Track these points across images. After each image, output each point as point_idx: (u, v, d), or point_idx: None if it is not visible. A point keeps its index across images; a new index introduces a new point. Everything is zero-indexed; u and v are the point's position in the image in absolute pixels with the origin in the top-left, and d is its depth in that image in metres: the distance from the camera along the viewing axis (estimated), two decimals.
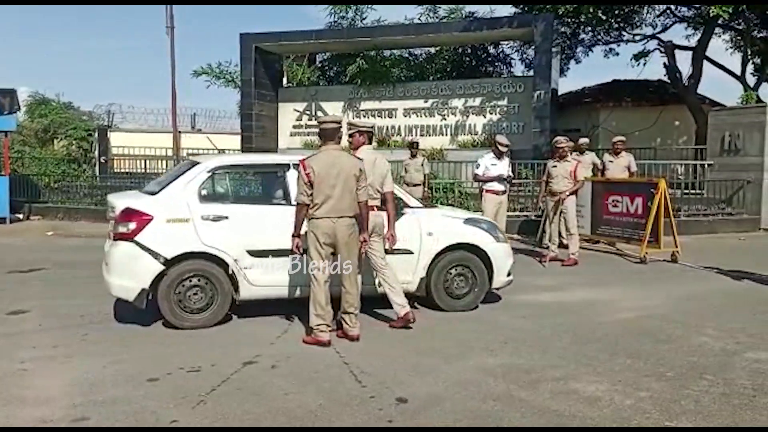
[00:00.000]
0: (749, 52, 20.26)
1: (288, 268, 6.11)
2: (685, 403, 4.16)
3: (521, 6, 20.18)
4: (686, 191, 14.77)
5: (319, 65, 24.41)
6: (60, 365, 4.99)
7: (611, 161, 11.47)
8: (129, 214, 5.88)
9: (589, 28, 20.35)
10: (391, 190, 5.97)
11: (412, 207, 6.65)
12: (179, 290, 5.89)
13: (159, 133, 25.23)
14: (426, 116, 20.24)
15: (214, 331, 5.83)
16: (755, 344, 5.50)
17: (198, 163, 6.41)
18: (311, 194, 5.34)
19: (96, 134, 23.52)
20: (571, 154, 10.15)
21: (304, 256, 5.68)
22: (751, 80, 20.13)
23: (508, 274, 6.87)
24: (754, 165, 14.17)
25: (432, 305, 6.70)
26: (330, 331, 5.51)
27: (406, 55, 22.98)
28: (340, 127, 5.67)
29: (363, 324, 5.70)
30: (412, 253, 6.47)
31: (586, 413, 4.00)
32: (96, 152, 23.17)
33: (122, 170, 21.84)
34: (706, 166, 15.36)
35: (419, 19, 22.09)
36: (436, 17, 22.06)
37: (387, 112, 20.64)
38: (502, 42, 23.08)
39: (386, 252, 6.04)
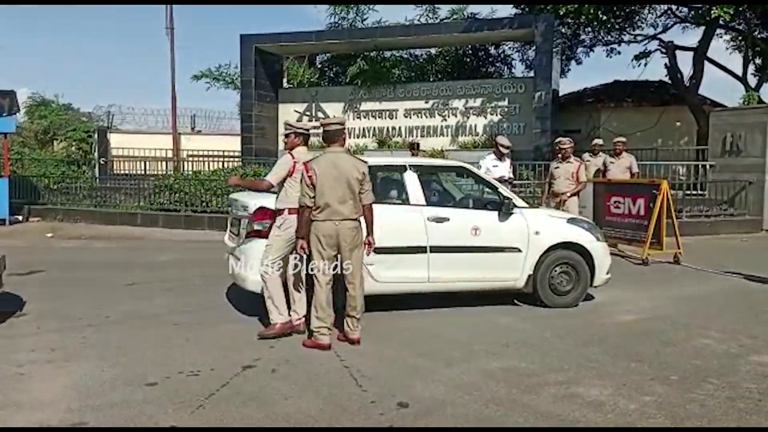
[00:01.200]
0: (750, 53, 20.21)
1: (408, 265, 6.41)
2: (690, 408, 4.11)
3: (522, 6, 20.15)
4: (688, 192, 14.72)
5: (320, 66, 24.38)
6: (58, 369, 4.94)
7: (612, 162, 11.42)
8: (265, 212, 6.08)
9: (590, 29, 20.33)
10: None
11: (520, 207, 6.88)
12: None
13: (159, 135, 25.18)
14: (426, 117, 20.20)
15: (213, 335, 5.77)
16: (759, 347, 5.45)
17: None
18: (314, 196, 5.30)
19: (96, 135, 23.50)
20: (576, 154, 10.06)
21: (427, 254, 6.29)
22: (753, 81, 20.10)
23: (607, 273, 7.08)
24: (756, 166, 14.12)
25: (534, 302, 6.94)
26: (330, 333, 5.46)
27: (407, 55, 22.95)
28: (344, 128, 5.64)
29: (363, 329, 5.63)
30: (520, 251, 6.73)
31: (590, 418, 3.95)
32: (96, 153, 23.17)
33: (122, 171, 21.80)
34: (707, 167, 15.31)
35: (419, 19, 22.06)
36: (437, 18, 22.03)
37: (387, 113, 20.61)
38: (502, 43, 23.03)
39: (496, 250, 6.60)
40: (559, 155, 9.94)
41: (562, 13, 17.21)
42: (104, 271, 9.17)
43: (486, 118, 19.53)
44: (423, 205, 6.56)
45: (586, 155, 11.64)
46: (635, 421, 3.91)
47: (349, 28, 21.97)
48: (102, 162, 22.40)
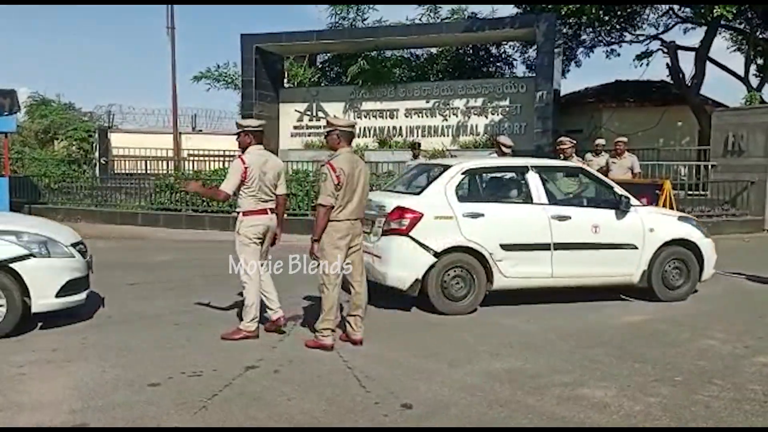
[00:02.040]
0: (752, 53, 20.19)
1: (533, 261, 6.78)
2: (695, 409, 4.09)
3: (523, 6, 20.12)
4: (690, 192, 14.69)
5: (320, 66, 24.36)
6: (59, 369, 4.91)
7: (614, 162, 11.37)
8: (402, 211, 6.51)
9: (591, 29, 20.31)
10: (286, 193, 6.00)
11: (635, 206, 7.21)
12: (444, 280, 6.52)
13: (159, 134, 25.16)
14: (427, 117, 20.16)
15: (215, 335, 5.74)
16: (764, 348, 5.43)
17: (450, 166, 7.06)
18: (337, 196, 5.21)
19: (96, 135, 23.46)
20: (578, 154, 10.01)
21: (551, 251, 6.68)
22: (755, 81, 20.07)
23: (713, 268, 7.47)
24: (758, 166, 14.10)
25: (643, 296, 7.27)
26: (333, 334, 5.43)
27: (408, 55, 22.92)
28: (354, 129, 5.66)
29: (365, 329, 5.61)
30: (636, 247, 7.07)
31: (595, 419, 3.93)
32: (96, 153, 23.14)
33: (123, 171, 21.78)
34: (709, 167, 15.28)
35: (421, 19, 22.03)
36: (438, 17, 22.00)
37: (388, 113, 20.57)
38: (504, 42, 23.00)
39: (614, 246, 6.94)
40: (561, 155, 9.91)
41: (564, 12, 17.19)
42: (105, 270, 9.07)
43: (487, 117, 19.49)
44: (546, 204, 6.91)
45: (588, 155, 11.60)
46: (640, 423, 3.89)
47: (349, 27, 21.94)
48: (103, 161, 22.38)
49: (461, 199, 6.77)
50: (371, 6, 22.49)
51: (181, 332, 5.87)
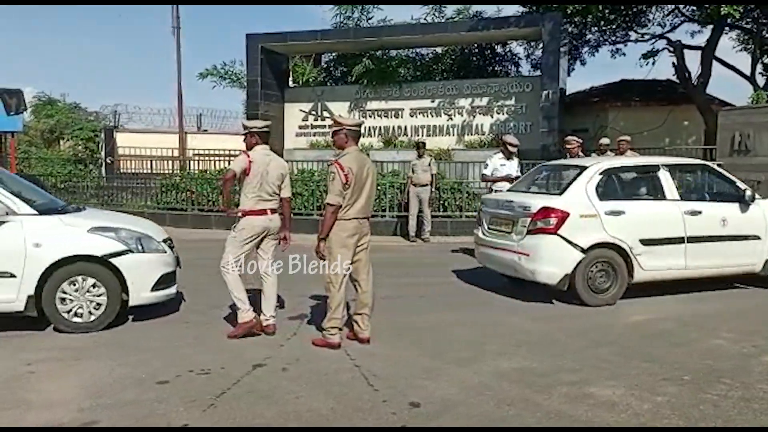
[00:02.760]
0: (758, 52, 20.09)
1: (669, 254, 7.13)
2: (704, 408, 4.08)
3: (529, 6, 20.08)
4: None
5: (325, 65, 24.34)
6: (68, 367, 4.94)
7: None
8: (549, 211, 6.89)
9: (596, 28, 20.25)
10: (290, 196, 6.05)
11: (756, 199, 7.58)
12: (590, 274, 6.87)
13: (165, 134, 25.20)
14: (433, 116, 20.12)
15: (222, 334, 5.75)
16: None
17: (586, 166, 7.41)
18: (345, 195, 5.21)
19: (102, 135, 23.52)
20: (584, 153, 9.97)
21: (684, 244, 7.07)
22: (761, 80, 19.97)
23: None
24: (765, 165, 13.97)
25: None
26: (340, 333, 5.44)
27: (413, 55, 22.88)
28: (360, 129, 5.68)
29: (372, 328, 5.61)
30: (759, 238, 7.51)
31: (603, 418, 3.93)
32: (102, 153, 23.20)
33: (128, 170, 21.83)
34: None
35: (426, 18, 22.00)
36: (443, 17, 21.97)
37: (393, 112, 20.54)
38: (509, 41, 22.96)
39: (740, 238, 7.38)
40: (567, 154, 9.90)
41: (569, 12, 17.14)
42: None
43: (492, 117, 19.44)
44: (678, 200, 7.34)
45: (593, 155, 11.58)
46: (648, 422, 3.89)
47: (354, 27, 21.91)
48: (109, 161, 22.44)
49: (601, 197, 7.13)
50: (376, 5, 22.47)
51: (189, 331, 5.90)
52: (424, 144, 13.00)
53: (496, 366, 4.91)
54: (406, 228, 12.65)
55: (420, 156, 12.49)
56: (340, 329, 5.42)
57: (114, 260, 5.90)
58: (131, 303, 6.01)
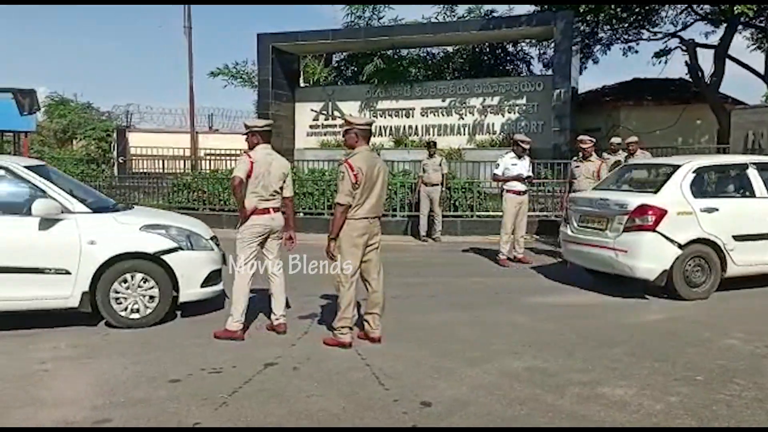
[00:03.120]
0: None
1: (761, 250, 7.37)
2: (716, 408, 4.05)
3: (541, 5, 20.01)
4: None
5: (336, 65, 24.39)
6: (80, 365, 4.98)
7: (628, 161, 11.32)
8: (647, 209, 7.08)
9: (608, 27, 20.16)
10: (292, 195, 6.01)
11: None
12: (686, 269, 7.08)
13: (177, 134, 25.31)
14: (443, 116, 20.13)
15: None
16: None
17: (679, 165, 7.56)
18: (355, 195, 5.21)
19: (115, 134, 23.63)
20: (597, 153, 9.90)
21: None
22: None
23: None
24: None
25: None
26: (351, 332, 5.45)
27: (424, 54, 22.88)
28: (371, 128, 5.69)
29: (383, 328, 5.61)
30: None
31: (615, 418, 3.91)
32: (115, 152, 23.30)
33: (140, 170, 21.92)
34: None
35: (437, 18, 21.98)
36: (454, 15, 21.93)
37: (404, 112, 20.56)
38: (520, 40, 22.89)
39: None
40: (580, 154, 9.86)
41: (582, 10, 17.07)
42: None
43: (504, 116, 19.42)
44: (767, 197, 7.55)
45: (604, 154, 11.53)
46: (661, 422, 3.87)
47: (365, 26, 21.95)
48: (121, 161, 22.54)
49: (695, 195, 7.32)
50: (387, 5, 22.48)
51: (200, 330, 5.90)
52: (435, 143, 12.98)
53: (506, 365, 4.90)
54: (417, 227, 12.64)
55: (431, 155, 12.46)
56: (351, 328, 5.42)
57: (165, 257, 6.04)
58: (181, 299, 6.17)
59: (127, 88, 66.72)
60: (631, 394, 4.30)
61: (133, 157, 23.56)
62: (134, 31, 74.06)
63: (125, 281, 5.94)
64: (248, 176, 5.62)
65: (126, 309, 5.94)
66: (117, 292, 5.91)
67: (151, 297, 6.00)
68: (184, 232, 6.27)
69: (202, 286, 6.26)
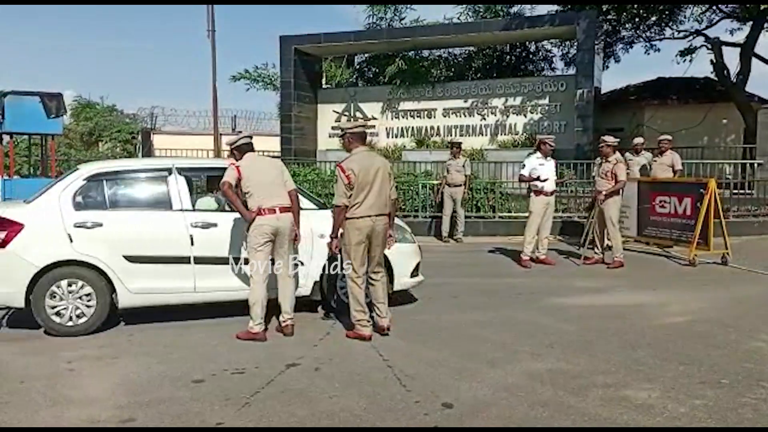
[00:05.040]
0: None
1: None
2: (742, 412, 4.00)
3: (564, 4, 19.88)
4: (735, 191, 14.34)
5: (357, 66, 24.42)
6: (106, 366, 5.05)
7: (655, 160, 11.22)
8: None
9: (630, 25, 19.99)
10: (295, 188, 5.98)
11: None
12: None
13: (200, 136, 25.54)
14: (465, 116, 20.07)
15: None
16: None
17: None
18: (350, 195, 5.48)
19: (140, 137, 23.91)
20: (615, 153, 9.77)
21: None
22: None
23: None
24: None
25: None
26: (370, 325, 5.64)
27: (446, 55, 22.82)
28: (366, 129, 5.92)
29: (404, 328, 5.64)
30: None
31: (639, 421, 3.87)
32: (140, 154, 23.57)
33: None
34: (755, 165, 14.90)
35: (459, 18, 21.93)
36: (479, 15, 21.83)
37: (426, 113, 20.54)
38: (542, 40, 22.75)
39: None
40: (600, 154, 9.78)
41: (605, 9, 16.93)
42: None
43: (526, 116, 19.31)
44: None
45: (627, 154, 11.42)
46: (686, 425, 3.82)
47: (387, 27, 21.95)
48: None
49: None
50: (409, 6, 22.48)
51: (223, 331, 5.94)
52: (459, 144, 12.89)
53: (528, 367, 4.88)
54: (440, 228, 12.63)
55: (455, 156, 12.43)
56: (369, 321, 5.62)
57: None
58: (395, 288, 6.57)
59: (151, 90, 67.45)
60: (655, 396, 4.26)
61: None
62: (159, 34, 74.89)
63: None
64: (239, 180, 5.66)
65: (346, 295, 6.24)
66: (343, 283, 6.19)
67: None
68: (396, 227, 6.48)
69: (411, 276, 6.74)
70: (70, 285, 5.87)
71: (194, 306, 6.37)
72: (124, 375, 4.78)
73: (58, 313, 5.84)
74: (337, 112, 21.55)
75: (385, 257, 6.17)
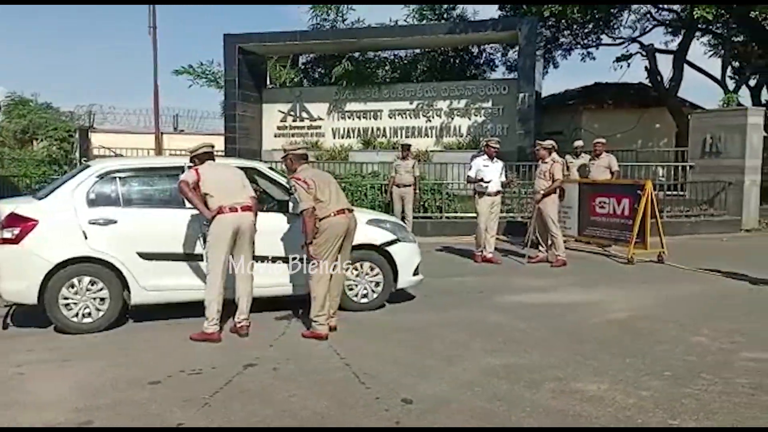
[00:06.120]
0: (728, 56, 20.56)
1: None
2: (686, 402, 4.21)
3: (506, 7, 20.30)
4: (668, 193, 14.93)
5: (303, 66, 24.31)
6: (58, 369, 4.95)
7: (592, 163, 11.61)
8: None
9: (569, 31, 20.59)
10: (253, 194, 6.02)
11: None
12: None
13: (141, 134, 25.00)
14: (411, 118, 20.25)
15: None
16: (750, 343, 5.54)
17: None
18: (315, 197, 5.57)
19: (77, 135, 23.21)
20: (551, 154, 9.98)
21: None
22: (731, 84, 20.46)
23: None
24: (735, 167, 14.36)
25: None
26: (326, 324, 5.70)
27: (391, 56, 22.98)
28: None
29: (360, 327, 5.71)
30: None
31: (590, 412, 4.04)
32: (77, 153, 22.87)
33: None
34: (687, 168, 15.53)
35: (405, 20, 22.11)
36: (424, 18, 22.03)
37: (372, 114, 20.63)
38: (486, 44, 23.15)
39: None
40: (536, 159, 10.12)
41: (547, 14, 17.38)
42: None
43: (470, 119, 19.62)
44: None
45: (567, 157, 11.79)
46: (634, 415, 4.00)
47: (333, 28, 21.96)
48: (84, 162, 22.14)
49: None
50: (350, 7, 22.52)
51: (177, 332, 5.89)
52: (409, 146, 12.96)
53: (484, 363, 5.01)
54: None
55: (404, 158, 12.50)
56: (326, 321, 5.69)
57: (389, 248, 6.70)
58: (398, 285, 6.81)
59: (89, 88, 65.51)
60: (604, 388, 4.44)
61: (97, 158, 23.18)
62: (97, 31, 72.75)
63: (356, 269, 6.55)
64: (197, 182, 5.64)
65: (357, 294, 6.63)
66: (348, 281, 6.44)
67: (377, 283, 6.68)
68: (398, 226, 7.02)
69: (414, 274, 6.92)
70: (91, 283, 5.90)
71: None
72: (78, 378, 4.69)
73: (75, 313, 5.85)
74: (283, 112, 21.43)
75: (391, 257, 6.63)
